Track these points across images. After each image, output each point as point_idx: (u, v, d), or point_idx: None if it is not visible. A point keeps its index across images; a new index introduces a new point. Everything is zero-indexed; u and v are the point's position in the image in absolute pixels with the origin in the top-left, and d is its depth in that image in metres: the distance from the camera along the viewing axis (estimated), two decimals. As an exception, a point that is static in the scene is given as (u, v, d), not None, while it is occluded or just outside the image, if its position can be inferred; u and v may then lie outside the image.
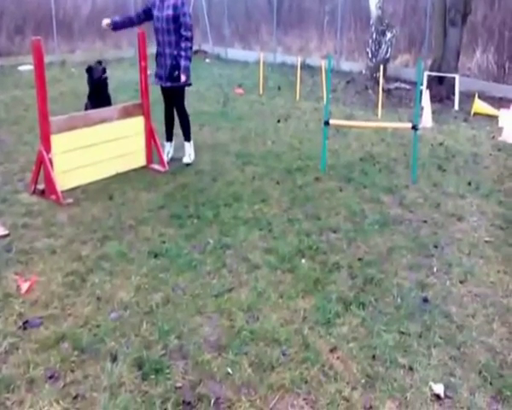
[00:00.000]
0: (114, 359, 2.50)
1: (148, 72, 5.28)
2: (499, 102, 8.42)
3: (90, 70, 5.49)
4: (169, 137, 5.57)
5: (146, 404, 2.24)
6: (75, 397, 2.28)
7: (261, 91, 9.35)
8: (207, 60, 13.64)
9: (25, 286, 3.06)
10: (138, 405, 2.24)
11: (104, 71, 5.50)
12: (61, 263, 3.36)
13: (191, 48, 5.06)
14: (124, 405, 2.23)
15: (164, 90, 5.34)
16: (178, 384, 2.36)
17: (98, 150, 4.81)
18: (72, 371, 2.43)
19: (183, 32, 4.98)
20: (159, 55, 5.20)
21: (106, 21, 5.14)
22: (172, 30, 4.99)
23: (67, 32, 13.61)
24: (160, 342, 2.63)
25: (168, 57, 5.07)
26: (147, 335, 2.68)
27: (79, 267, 3.31)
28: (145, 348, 2.57)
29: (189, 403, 2.26)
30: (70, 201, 4.34)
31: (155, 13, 5.06)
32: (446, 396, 2.35)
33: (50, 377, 2.38)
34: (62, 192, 4.37)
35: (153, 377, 2.40)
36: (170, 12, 4.97)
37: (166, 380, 2.38)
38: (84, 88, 9.11)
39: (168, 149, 5.55)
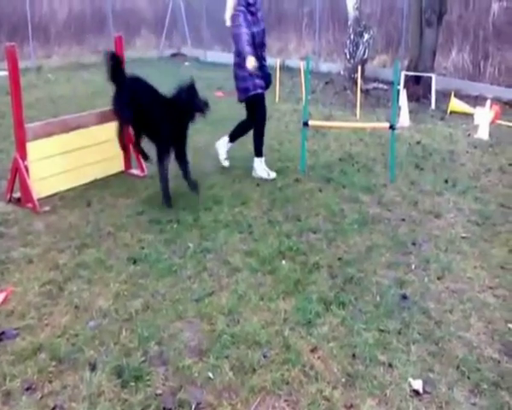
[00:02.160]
0: (93, 368, 2.47)
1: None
2: (475, 101, 8.58)
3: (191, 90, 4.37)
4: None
5: (126, 412, 2.22)
6: (53, 408, 2.25)
7: (241, 94, 9.33)
8: (186, 63, 13.59)
9: (0, 297, 3.00)
10: (118, 413, 2.22)
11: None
12: (37, 272, 3.31)
13: None
14: (103, 414, 2.21)
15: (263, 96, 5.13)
16: (159, 391, 2.35)
17: (76, 156, 4.75)
18: (50, 381, 2.40)
19: (266, 42, 5.10)
20: (258, 68, 4.87)
21: (254, 63, 4.63)
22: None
23: (43, 37, 13.43)
24: (139, 349, 2.60)
25: (266, 68, 5.08)
26: (126, 342, 2.66)
27: (57, 276, 3.26)
28: (124, 356, 2.55)
29: (169, 410, 2.25)
30: (47, 209, 4.28)
31: (255, 30, 4.85)
32: (425, 392, 2.38)
33: (27, 389, 2.34)
34: (39, 200, 4.31)
35: (133, 384, 2.38)
36: (263, 24, 5.01)
37: (146, 387, 2.37)
38: (60, 93, 9.06)
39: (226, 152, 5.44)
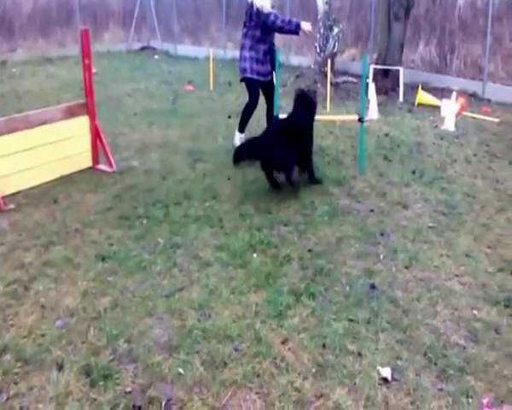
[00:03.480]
0: (60, 368, 2.42)
1: (94, 70, 5.13)
2: (442, 93, 8.73)
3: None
4: None
5: (94, 411, 2.19)
6: (19, 410, 2.20)
7: (211, 87, 9.29)
8: (156, 56, 13.41)
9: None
10: (86, 413, 2.18)
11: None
12: (2, 272, 3.22)
13: None
14: (71, 414, 2.17)
15: (267, 84, 5.51)
16: (128, 389, 2.32)
17: (41, 153, 4.64)
18: (16, 383, 2.34)
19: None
20: (266, 52, 5.36)
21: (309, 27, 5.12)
22: None
23: (8, 31, 13.03)
24: (108, 348, 2.56)
25: (272, 53, 5.41)
26: (94, 341, 2.61)
27: (22, 275, 3.18)
28: (93, 355, 2.51)
29: (139, 407, 2.22)
30: (11, 206, 4.17)
31: None
32: (393, 379, 2.42)
33: (-8, 392, 2.28)
34: (3, 198, 4.19)
35: (101, 383, 2.34)
36: None
37: (116, 386, 2.33)
38: (25, 88, 8.81)
39: None
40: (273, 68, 5.41)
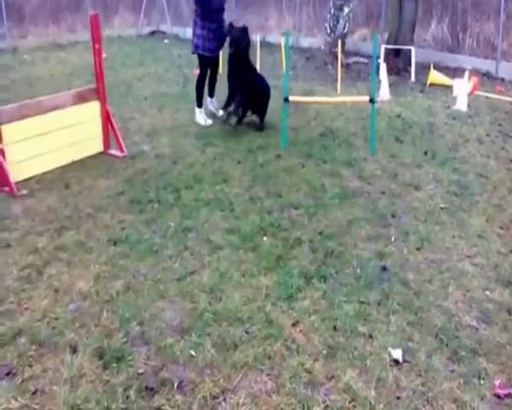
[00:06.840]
0: (74, 350, 2.46)
1: (104, 55, 5.11)
2: (454, 72, 8.58)
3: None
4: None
5: (107, 393, 2.22)
6: (34, 392, 2.23)
7: (221, 71, 9.18)
8: (166, 40, 13.33)
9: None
10: (100, 395, 2.21)
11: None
12: (16, 257, 3.26)
13: None
14: (85, 396, 2.20)
15: (215, 59, 6.10)
16: (141, 371, 2.35)
17: (53, 138, 4.66)
18: (31, 365, 2.38)
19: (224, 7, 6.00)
20: (215, 30, 5.78)
21: None
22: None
23: (18, 17, 13.02)
24: (121, 330, 2.59)
25: (221, 31, 5.86)
26: (107, 324, 2.65)
27: (36, 260, 3.22)
28: (106, 337, 2.54)
29: (151, 389, 2.25)
30: (24, 192, 4.21)
31: None
32: (405, 361, 2.42)
33: (7, 374, 2.32)
34: (16, 183, 4.23)
35: (114, 365, 2.37)
36: None
37: (128, 367, 2.36)
38: (37, 74, 8.84)
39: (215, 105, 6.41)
40: (220, 46, 6.00)
